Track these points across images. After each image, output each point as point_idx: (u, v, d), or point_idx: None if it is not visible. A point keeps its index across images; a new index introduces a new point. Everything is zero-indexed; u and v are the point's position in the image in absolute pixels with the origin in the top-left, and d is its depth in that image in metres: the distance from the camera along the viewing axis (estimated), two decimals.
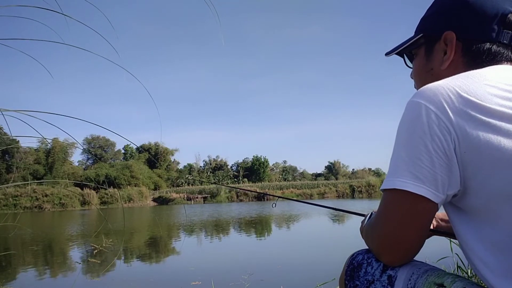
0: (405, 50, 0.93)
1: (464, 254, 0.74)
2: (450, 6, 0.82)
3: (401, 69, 1.00)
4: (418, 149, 0.67)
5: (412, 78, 0.95)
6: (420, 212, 0.70)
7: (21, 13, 1.18)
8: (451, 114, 0.66)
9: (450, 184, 0.68)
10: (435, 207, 0.70)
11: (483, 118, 0.64)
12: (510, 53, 0.78)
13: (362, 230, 0.93)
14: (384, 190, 0.73)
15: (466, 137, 0.65)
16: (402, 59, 0.98)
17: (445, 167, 0.67)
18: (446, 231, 1.01)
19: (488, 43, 0.78)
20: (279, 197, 1.90)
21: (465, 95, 0.66)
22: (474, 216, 0.69)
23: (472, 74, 0.71)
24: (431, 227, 1.02)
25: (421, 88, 0.72)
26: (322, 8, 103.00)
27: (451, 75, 0.73)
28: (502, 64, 0.77)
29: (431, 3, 0.89)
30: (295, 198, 2.01)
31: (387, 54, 0.97)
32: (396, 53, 0.96)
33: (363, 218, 1.01)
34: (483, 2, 0.78)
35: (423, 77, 0.88)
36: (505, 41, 0.77)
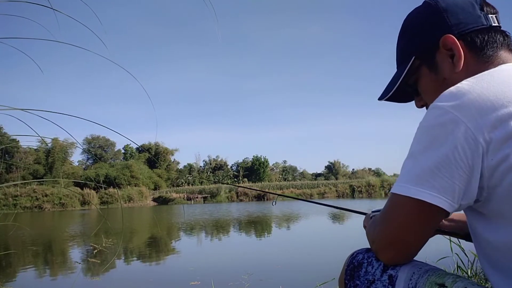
0: (403, 83, 0.87)
1: (479, 255, 0.73)
2: (430, 17, 0.82)
3: None
4: (439, 158, 0.64)
5: (419, 106, 0.91)
6: (431, 220, 0.69)
7: (13, 11, 1.18)
8: (480, 121, 0.62)
9: (466, 195, 0.65)
10: (447, 215, 0.69)
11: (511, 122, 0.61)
12: (507, 39, 0.79)
13: (367, 219, 0.92)
14: (395, 194, 0.71)
15: (495, 145, 0.62)
16: (395, 102, 0.93)
17: (464, 178, 0.64)
18: (449, 231, 1.01)
19: (484, 32, 0.78)
20: (281, 195, 1.90)
21: (494, 98, 0.63)
22: (498, 220, 0.66)
23: (497, 73, 0.69)
24: None
25: (446, 93, 0.68)
26: (322, 8, 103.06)
27: (465, 76, 0.72)
28: (505, 50, 0.78)
29: (400, 31, 0.89)
30: (297, 197, 2.00)
31: (380, 99, 0.92)
32: (388, 98, 0.90)
33: (368, 213, 1.01)
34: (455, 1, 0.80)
35: (438, 90, 0.80)
36: (495, 24, 0.78)
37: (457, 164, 0.63)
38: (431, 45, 0.81)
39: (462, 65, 0.78)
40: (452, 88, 0.68)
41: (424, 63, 0.84)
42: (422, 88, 0.87)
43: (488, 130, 0.62)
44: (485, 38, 0.77)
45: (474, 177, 0.64)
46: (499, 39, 0.78)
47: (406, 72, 0.85)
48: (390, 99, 0.91)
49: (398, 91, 0.88)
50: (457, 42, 0.78)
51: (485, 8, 0.79)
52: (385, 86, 0.91)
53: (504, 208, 0.64)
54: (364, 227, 0.96)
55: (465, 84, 0.68)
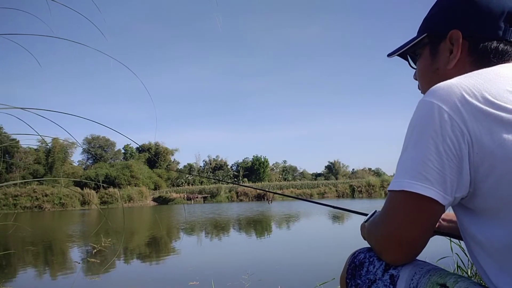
0: (408, 51, 0.91)
1: (469, 253, 0.73)
2: (455, 4, 0.81)
3: (402, 69, 0.99)
4: (429, 150, 0.66)
5: (415, 79, 0.93)
6: (427, 213, 0.69)
7: (12, 6, 1.17)
8: (465, 115, 0.64)
9: (459, 187, 0.66)
10: (442, 209, 0.68)
11: (498, 117, 0.63)
12: None
13: (363, 228, 0.91)
14: (391, 191, 0.72)
15: (480, 138, 0.63)
16: (404, 60, 0.95)
17: (455, 170, 0.65)
18: (449, 232, 1.00)
19: (495, 42, 0.76)
20: (280, 194, 1.89)
21: (479, 94, 0.65)
22: (484, 216, 0.67)
23: (486, 72, 0.70)
24: None
25: (434, 87, 0.70)
26: (323, 8, 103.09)
27: (458, 75, 0.72)
28: (510, 63, 0.76)
29: (434, 2, 0.88)
30: (296, 196, 1.99)
31: (389, 55, 0.95)
32: (398, 55, 0.94)
33: (366, 217, 1.00)
34: (489, 0, 0.76)
35: (428, 77, 0.86)
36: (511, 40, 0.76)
37: (447, 155, 0.65)
38: (442, 33, 0.82)
39: (454, 64, 0.79)
40: (440, 83, 0.70)
41: (429, 45, 0.85)
42: (418, 67, 0.90)
43: (473, 123, 0.63)
44: (492, 48, 0.76)
45: (465, 168, 0.65)
46: (508, 53, 0.76)
47: (414, 44, 0.88)
48: (401, 57, 0.96)
49: (408, 54, 0.93)
50: (460, 41, 0.78)
51: (510, 21, 0.77)
52: (399, 45, 0.95)
53: (489, 205, 0.65)
54: (364, 238, 0.94)
55: (454, 80, 0.69)
